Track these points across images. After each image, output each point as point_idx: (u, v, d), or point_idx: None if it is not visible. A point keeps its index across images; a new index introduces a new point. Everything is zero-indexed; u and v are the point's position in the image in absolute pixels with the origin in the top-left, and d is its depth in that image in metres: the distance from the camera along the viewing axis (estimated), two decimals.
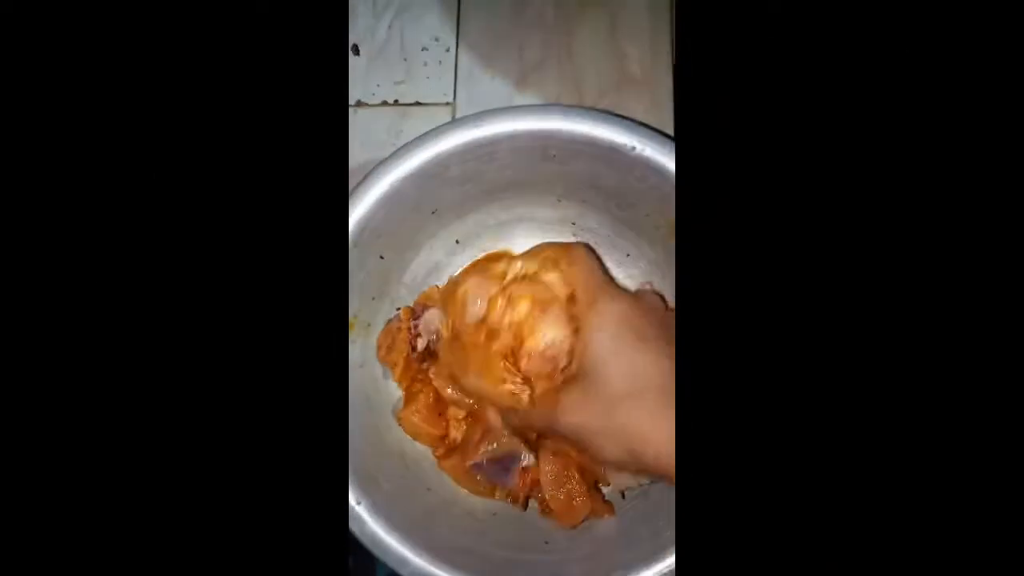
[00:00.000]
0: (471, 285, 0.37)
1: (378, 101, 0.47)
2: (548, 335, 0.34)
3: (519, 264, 0.37)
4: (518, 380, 0.35)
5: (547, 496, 0.37)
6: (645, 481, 0.37)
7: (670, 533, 0.34)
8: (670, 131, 0.38)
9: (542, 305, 0.35)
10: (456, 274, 0.41)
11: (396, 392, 0.40)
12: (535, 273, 0.36)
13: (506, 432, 0.38)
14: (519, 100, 0.46)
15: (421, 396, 0.39)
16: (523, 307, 0.35)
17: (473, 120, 0.35)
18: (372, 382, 0.40)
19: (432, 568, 0.34)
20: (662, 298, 0.38)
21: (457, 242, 0.42)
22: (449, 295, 0.38)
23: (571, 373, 0.33)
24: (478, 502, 0.39)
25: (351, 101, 0.47)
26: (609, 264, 0.41)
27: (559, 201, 0.40)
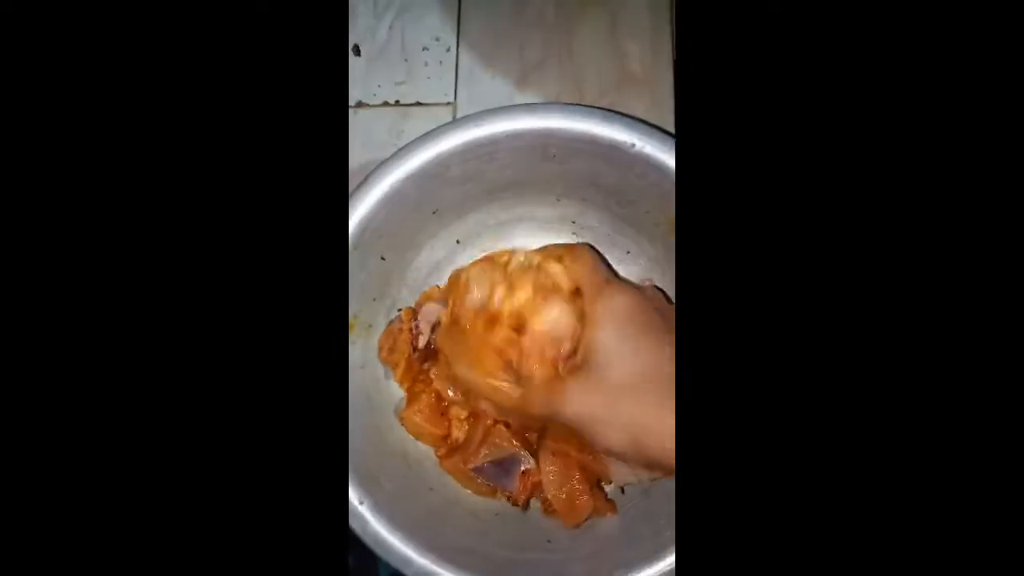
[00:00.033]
0: (474, 272, 0.37)
1: (379, 102, 0.47)
2: (552, 315, 0.34)
3: (522, 256, 0.37)
4: (509, 377, 0.35)
5: (549, 496, 0.37)
6: (645, 476, 0.36)
7: (671, 532, 0.34)
8: (671, 129, 0.38)
9: (544, 292, 0.35)
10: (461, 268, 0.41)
11: (398, 392, 0.40)
12: (539, 263, 0.36)
13: (506, 431, 0.38)
14: (520, 99, 0.46)
15: (423, 396, 0.39)
16: (524, 294, 0.35)
17: (473, 120, 0.35)
18: (374, 383, 0.40)
19: (435, 568, 0.35)
20: (664, 294, 0.38)
21: (458, 242, 0.42)
22: (452, 282, 0.39)
23: (576, 363, 0.33)
24: (480, 502, 0.39)
25: (352, 102, 0.47)
26: (610, 262, 0.41)
27: (559, 200, 0.40)
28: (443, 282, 0.41)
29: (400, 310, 0.40)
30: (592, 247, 0.39)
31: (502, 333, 0.35)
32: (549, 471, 0.37)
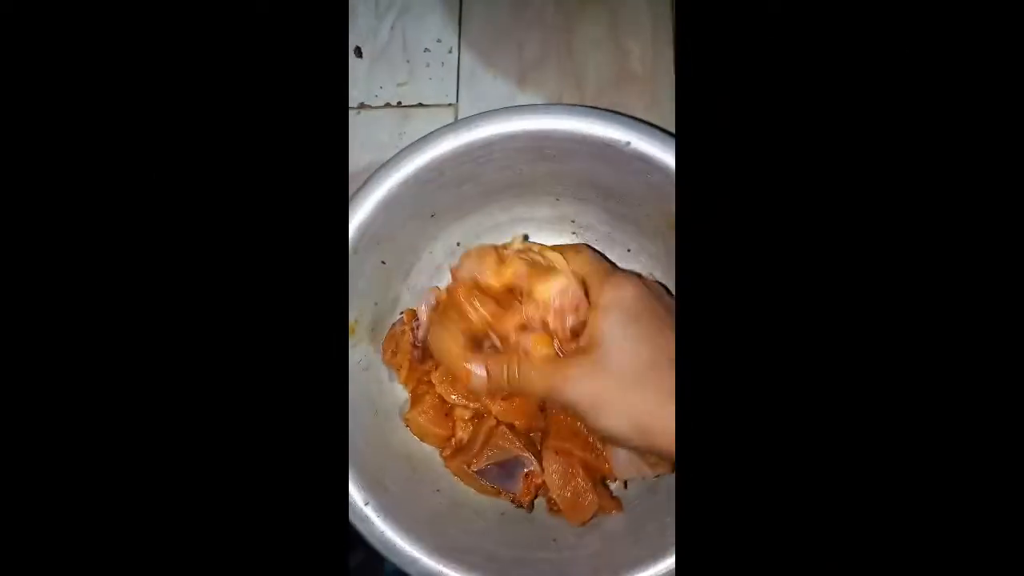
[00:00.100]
0: (474, 250, 0.37)
1: (381, 103, 0.47)
2: (559, 285, 0.34)
3: (520, 244, 0.37)
4: (479, 360, 0.35)
5: (554, 495, 0.37)
6: (648, 470, 0.37)
7: None
8: (671, 128, 0.38)
9: (541, 270, 0.35)
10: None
11: (402, 395, 0.41)
12: (539, 249, 0.36)
13: (508, 433, 0.38)
14: (521, 99, 0.46)
15: (427, 397, 0.39)
16: (520, 268, 0.35)
17: (470, 123, 0.35)
18: (377, 385, 0.40)
19: (441, 567, 0.35)
20: (666, 288, 0.38)
21: (458, 244, 0.42)
22: (454, 267, 0.38)
23: (581, 346, 0.33)
24: (486, 501, 0.39)
25: (354, 103, 0.47)
26: (611, 259, 0.41)
27: (557, 200, 0.40)
28: (443, 284, 0.41)
29: (403, 313, 0.40)
30: (591, 247, 0.39)
31: (481, 315, 0.35)
32: (553, 470, 0.37)
